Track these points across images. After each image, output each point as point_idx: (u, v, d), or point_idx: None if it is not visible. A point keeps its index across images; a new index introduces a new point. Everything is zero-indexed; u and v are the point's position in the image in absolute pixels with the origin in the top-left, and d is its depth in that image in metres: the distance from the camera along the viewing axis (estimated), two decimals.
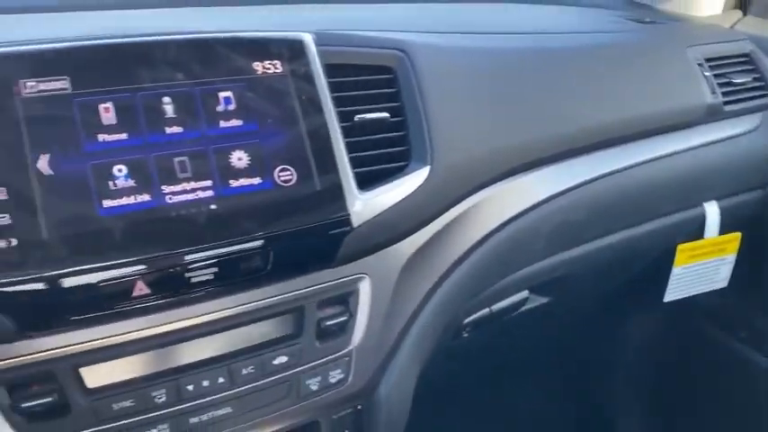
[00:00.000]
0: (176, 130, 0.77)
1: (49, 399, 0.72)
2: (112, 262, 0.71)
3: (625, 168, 1.22)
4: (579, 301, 1.59)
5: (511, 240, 1.09)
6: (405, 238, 0.93)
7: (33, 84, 0.72)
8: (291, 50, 0.86)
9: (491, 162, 1.04)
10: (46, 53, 0.74)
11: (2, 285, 0.67)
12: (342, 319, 0.88)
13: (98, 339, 0.74)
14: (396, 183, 0.90)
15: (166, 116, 0.77)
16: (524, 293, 1.23)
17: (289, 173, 0.81)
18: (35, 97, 0.72)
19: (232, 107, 0.81)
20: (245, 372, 0.82)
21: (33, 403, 0.72)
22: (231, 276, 0.78)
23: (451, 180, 0.96)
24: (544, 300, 1.32)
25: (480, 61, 1.12)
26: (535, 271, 1.18)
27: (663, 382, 1.87)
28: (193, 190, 0.76)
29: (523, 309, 1.25)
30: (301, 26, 0.91)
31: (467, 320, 1.14)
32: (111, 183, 0.73)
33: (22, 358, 0.71)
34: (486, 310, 1.17)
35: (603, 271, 1.42)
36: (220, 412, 0.81)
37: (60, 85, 0.73)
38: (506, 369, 1.72)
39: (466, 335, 1.17)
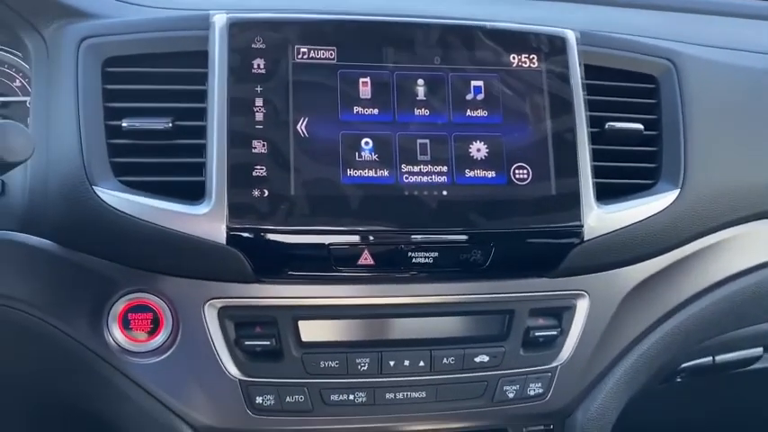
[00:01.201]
0: (424, 112, 0.78)
1: (268, 342, 0.78)
2: (347, 228, 0.75)
3: None
4: None
5: (757, 289, 0.96)
6: (635, 264, 0.86)
7: (305, 51, 0.77)
8: (552, 46, 0.82)
9: (748, 197, 0.92)
10: (319, 24, 0.79)
11: (249, 231, 0.73)
12: (552, 332, 0.84)
13: (319, 297, 0.78)
14: (638, 201, 0.83)
15: (417, 98, 0.78)
16: (758, 351, 1.08)
17: (525, 171, 0.79)
18: (305, 63, 0.77)
19: (480, 97, 0.80)
20: (445, 361, 0.81)
21: (254, 343, 0.78)
22: (450, 265, 0.78)
23: (701, 210, 0.87)
24: None
25: (752, 84, 0.99)
26: None
27: None
28: (429, 174, 0.77)
29: (752, 367, 1.10)
30: (563, 23, 0.87)
31: (684, 365, 1.03)
32: (356, 154, 0.76)
33: (252, 300, 0.77)
34: (708, 359, 1.04)
35: None
36: (415, 395, 0.81)
37: (328, 54, 0.78)
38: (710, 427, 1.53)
39: (679, 380, 1.06)
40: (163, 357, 0.78)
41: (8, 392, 0.91)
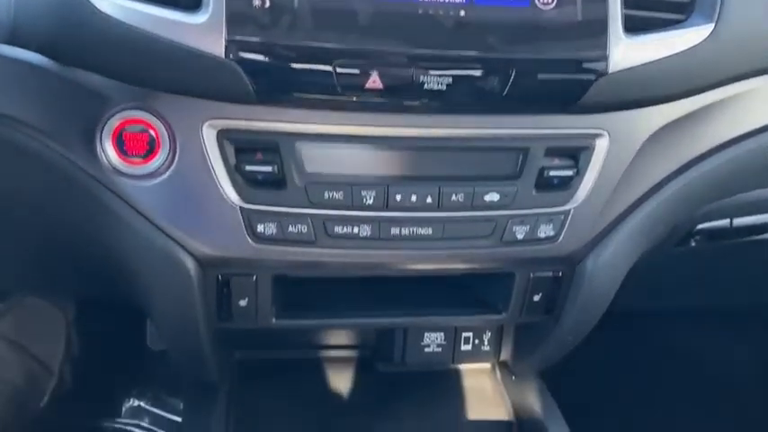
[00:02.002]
0: None
1: (269, 168, 0.74)
2: (354, 47, 0.69)
3: None
4: None
5: None
6: (659, 104, 0.81)
7: None
8: None
9: None
10: None
11: (248, 44, 0.68)
12: (567, 173, 0.80)
13: (324, 125, 0.74)
14: (668, 34, 0.76)
15: None
16: None
17: None
18: None
19: None
20: (454, 198, 0.78)
21: (255, 168, 0.75)
22: (464, 94, 0.73)
23: (735, 50, 0.80)
24: None
25: None
26: None
27: None
28: None
29: None
30: None
31: (701, 227, 1.00)
32: None
33: (253, 122, 0.73)
34: (725, 222, 1.01)
35: None
36: (421, 231, 0.79)
37: None
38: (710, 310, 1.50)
39: (694, 243, 1.03)
40: (159, 180, 0.75)
41: (15, 218, 0.89)
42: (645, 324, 1.51)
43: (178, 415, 1.45)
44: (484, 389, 1.09)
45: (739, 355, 1.58)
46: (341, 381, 1.08)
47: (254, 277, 0.82)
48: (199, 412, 0.98)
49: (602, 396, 1.45)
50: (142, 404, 1.59)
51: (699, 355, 1.55)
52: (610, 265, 0.87)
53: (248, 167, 0.75)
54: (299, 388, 1.07)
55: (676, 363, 1.56)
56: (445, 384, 1.09)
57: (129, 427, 1.57)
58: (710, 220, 1.00)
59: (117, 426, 1.57)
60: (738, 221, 1.01)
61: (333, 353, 1.12)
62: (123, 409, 1.58)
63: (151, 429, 1.56)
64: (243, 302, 0.83)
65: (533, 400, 1.03)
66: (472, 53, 0.71)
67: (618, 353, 1.52)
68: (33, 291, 1.37)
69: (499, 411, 1.06)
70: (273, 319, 0.86)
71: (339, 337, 1.12)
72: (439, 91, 0.72)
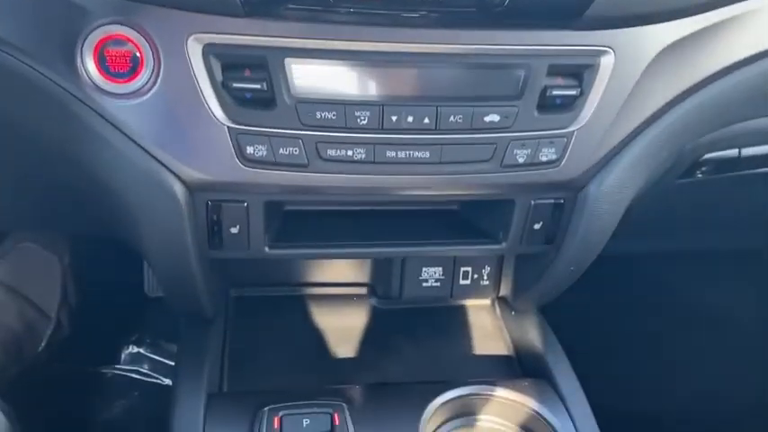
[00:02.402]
0: None
1: (258, 86, 0.71)
2: None
3: None
4: None
5: None
6: (665, 21, 0.77)
7: None
8: None
9: None
10: None
11: None
12: (571, 92, 0.76)
13: (314, 39, 0.70)
14: None
15: None
16: None
17: None
18: None
19: None
20: (452, 119, 0.75)
21: (243, 86, 0.71)
22: (463, 3, 0.69)
23: None
24: None
25: None
26: None
27: None
28: None
29: None
30: None
31: (708, 156, 0.97)
32: None
33: (240, 37, 0.69)
34: (733, 152, 0.98)
35: None
36: (418, 154, 0.76)
37: None
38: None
39: (700, 175, 1.00)
40: (143, 99, 0.71)
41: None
42: (643, 265, 1.49)
43: None
44: (483, 324, 1.08)
45: (737, 296, 1.58)
46: (339, 317, 1.07)
47: (246, 203, 0.79)
48: (193, 346, 0.97)
49: (600, 335, 1.44)
50: (141, 351, 1.59)
51: (696, 295, 1.54)
52: (613, 192, 0.84)
53: (236, 84, 0.71)
54: (296, 324, 1.05)
55: (673, 303, 1.55)
56: (444, 321, 1.07)
57: (128, 373, 1.57)
58: (718, 149, 0.96)
59: (116, 372, 1.57)
60: (747, 151, 0.98)
61: (330, 290, 1.10)
62: (122, 355, 1.58)
63: (150, 374, 1.56)
64: (234, 230, 0.81)
65: (533, 335, 1.02)
66: None
67: (615, 294, 1.50)
68: (26, 226, 1.34)
69: (499, 346, 1.05)
70: (266, 248, 0.84)
71: (337, 274, 1.10)
72: (437, 0, 0.68)
